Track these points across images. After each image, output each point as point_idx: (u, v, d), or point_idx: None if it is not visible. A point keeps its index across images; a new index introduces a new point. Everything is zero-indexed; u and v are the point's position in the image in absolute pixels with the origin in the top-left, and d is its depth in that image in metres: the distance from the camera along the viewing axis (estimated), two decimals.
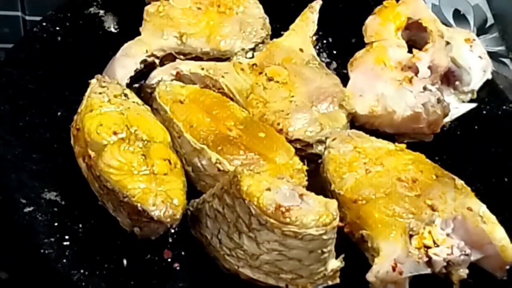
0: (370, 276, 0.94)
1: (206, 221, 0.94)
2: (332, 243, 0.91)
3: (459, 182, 1.02)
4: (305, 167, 1.02)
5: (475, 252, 0.95)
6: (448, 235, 0.95)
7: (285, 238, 0.87)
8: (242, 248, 0.90)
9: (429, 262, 0.94)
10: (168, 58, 1.13)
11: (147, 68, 1.12)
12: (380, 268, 0.93)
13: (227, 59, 1.14)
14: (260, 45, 1.17)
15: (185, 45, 1.12)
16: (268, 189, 0.88)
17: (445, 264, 0.93)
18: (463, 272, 0.95)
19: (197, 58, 1.13)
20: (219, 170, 0.97)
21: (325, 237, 0.88)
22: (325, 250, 0.90)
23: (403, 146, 1.05)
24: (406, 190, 0.99)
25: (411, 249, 0.94)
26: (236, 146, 1.00)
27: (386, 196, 0.98)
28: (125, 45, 1.10)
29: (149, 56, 1.11)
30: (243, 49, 1.15)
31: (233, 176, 0.90)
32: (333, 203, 0.90)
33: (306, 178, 1.00)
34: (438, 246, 0.94)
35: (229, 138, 1.00)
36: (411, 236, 0.95)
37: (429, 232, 0.95)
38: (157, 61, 1.13)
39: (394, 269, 0.92)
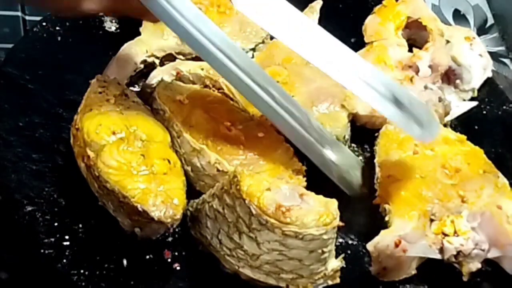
0: (369, 245, 0.95)
1: (206, 221, 0.93)
2: (332, 242, 0.91)
3: (503, 181, 1.02)
4: (304, 168, 1.02)
5: (494, 250, 0.95)
6: (473, 229, 0.95)
7: (285, 238, 0.87)
8: (243, 248, 0.90)
9: (441, 249, 0.94)
10: (168, 58, 1.13)
11: (147, 68, 1.12)
12: (381, 240, 0.94)
13: None
14: (260, 45, 1.16)
15: (185, 45, 1.12)
16: (268, 189, 0.88)
17: (455, 253, 0.94)
18: (474, 266, 0.95)
19: (197, 58, 1.13)
20: (218, 170, 0.97)
21: (325, 236, 0.88)
22: (325, 250, 0.90)
23: (464, 137, 1.05)
24: (445, 177, 1.00)
25: (428, 232, 0.94)
26: (236, 146, 1.00)
27: (421, 178, 0.99)
28: (125, 45, 1.10)
29: (149, 56, 1.11)
30: (243, 49, 1.15)
31: (233, 176, 0.89)
32: (333, 203, 0.90)
33: (305, 178, 1.00)
34: (458, 236, 0.94)
35: (228, 138, 1.00)
36: (432, 221, 0.95)
37: (452, 221, 0.95)
38: (157, 61, 1.13)
39: (397, 245, 0.93)
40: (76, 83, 1.05)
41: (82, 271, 0.90)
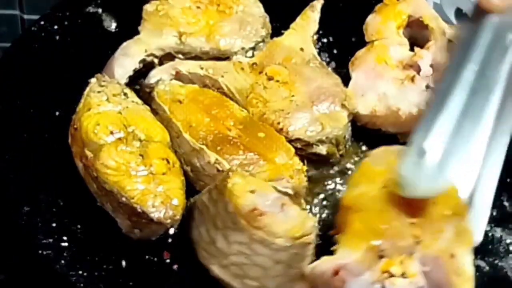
0: (307, 267, 0.89)
1: (195, 212, 0.93)
2: (302, 260, 0.89)
3: (465, 227, 0.93)
4: (305, 167, 1.01)
5: None
6: (425, 273, 0.88)
7: (252, 242, 0.87)
8: (216, 245, 0.90)
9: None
10: (167, 57, 1.13)
11: (146, 67, 1.11)
12: (319, 265, 0.88)
13: (227, 58, 1.14)
14: (260, 44, 1.16)
15: (185, 45, 1.12)
16: (252, 192, 0.88)
17: None
18: None
19: (196, 58, 1.13)
20: (218, 170, 0.97)
21: (291, 251, 0.87)
22: (292, 264, 0.88)
23: None
24: (405, 214, 0.93)
25: (376, 269, 0.88)
26: (236, 146, 0.99)
27: (380, 212, 0.92)
28: (124, 44, 1.10)
29: (148, 56, 1.11)
30: (243, 48, 1.14)
31: (227, 173, 0.90)
32: (311, 220, 0.89)
33: (306, 178, 1.00)
34: (405, 278, 0.88)
35: (228, 138, 1.00)
36: (382, 257, 0.89)
37: (401, 262, 0.90)
38: (156, 60, 1.12)
39: (336, 273, 0.87)
40: (75, 83, 1.04)
41: (80, 272, 0.90)
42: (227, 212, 0.87)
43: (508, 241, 1.04)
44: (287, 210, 0.88)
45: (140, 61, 1.10)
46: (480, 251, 0.99)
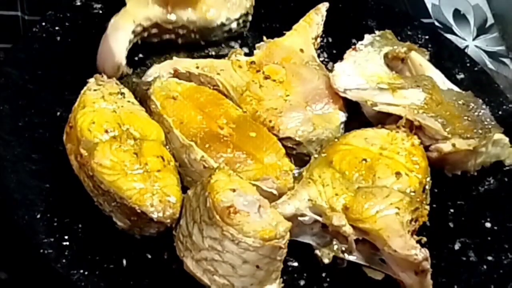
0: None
1: (182, 205, 0.94)
2: (270, 264, 0.89)
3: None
4: (293, 167, 1.01)
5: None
6: None
7: (223, 239, 0.87)
8: (191, 238, 0.90)
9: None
10: (154, 27, 1.13)
11: (142, 40, 1.11)
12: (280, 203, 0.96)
13: (223, 56, 1.14)
14: (244, 17, 1.17)
15: (171, 14, 1.12)
16: (233, 190, 0.89)
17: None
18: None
19: (183, 27, 1.13)
20: (204, 167, 0.98)
21: (260, 252, 0.87)
22: (260, 266, 0.89)
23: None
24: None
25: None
26: (225, 144, 1.00)
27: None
28: (112, 20, 1.08)
29: (136, 27, 1.09)
30: (228, 19, 1.15)
31: (215, 170, 0.91)
32: (285, 224, 0.89)
33: (292, 180, 1.00)
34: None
35: (218, 136, 1.00)
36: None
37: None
38: (145, 34, 1.12)
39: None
40: (76, 83, 1.04)
41: (81, 271, 0.90)
42: (206, 207, 0.88)
43: None
44: (263, 212, 0.89)
45: (132, 32, 1.08)
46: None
